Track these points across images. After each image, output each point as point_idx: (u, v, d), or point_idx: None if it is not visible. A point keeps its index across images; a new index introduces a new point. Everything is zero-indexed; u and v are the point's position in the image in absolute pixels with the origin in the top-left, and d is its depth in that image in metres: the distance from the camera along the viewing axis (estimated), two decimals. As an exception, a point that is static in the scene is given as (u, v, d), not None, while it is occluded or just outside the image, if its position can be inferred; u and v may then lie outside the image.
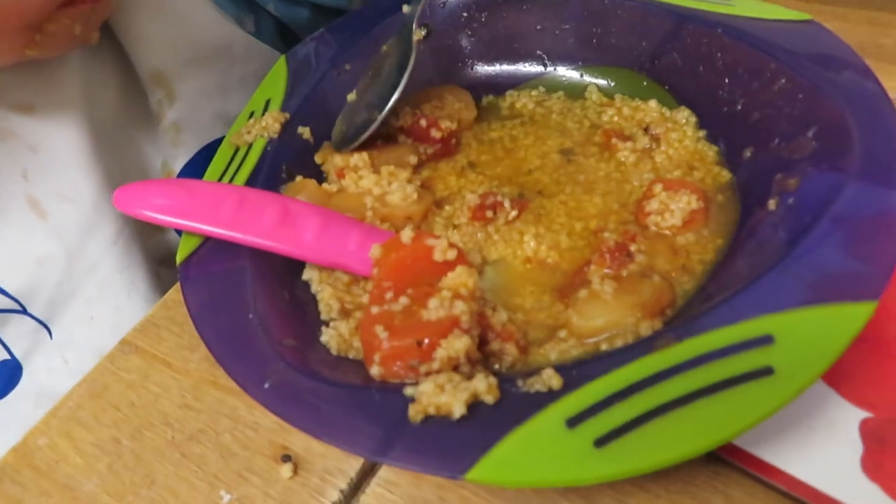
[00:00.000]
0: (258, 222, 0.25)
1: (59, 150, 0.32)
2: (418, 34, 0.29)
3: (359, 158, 0.28)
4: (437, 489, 0.23)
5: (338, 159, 0.29)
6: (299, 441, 0.25)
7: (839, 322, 0.19)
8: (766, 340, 0.19)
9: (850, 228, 0.21)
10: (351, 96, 0.31)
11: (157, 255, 0.37)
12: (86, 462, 0.26)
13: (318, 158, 0.30)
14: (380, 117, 0.28)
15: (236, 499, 0.24)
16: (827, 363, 0.19)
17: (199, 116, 0.37)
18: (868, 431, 0.21)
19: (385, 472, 0.24)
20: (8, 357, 0.35)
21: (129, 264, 0.35)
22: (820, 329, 0.19)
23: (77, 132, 0.32)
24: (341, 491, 0.24)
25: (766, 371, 0.19)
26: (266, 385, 0.21)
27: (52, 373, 0.35)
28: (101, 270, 0.34)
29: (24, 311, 0.34)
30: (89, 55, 0.33)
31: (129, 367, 0.29)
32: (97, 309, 0.35)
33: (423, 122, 0.30)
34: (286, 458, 0.25)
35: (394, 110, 0.29)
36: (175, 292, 0.32)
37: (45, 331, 0.35)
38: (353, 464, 0.24)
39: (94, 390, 0.28)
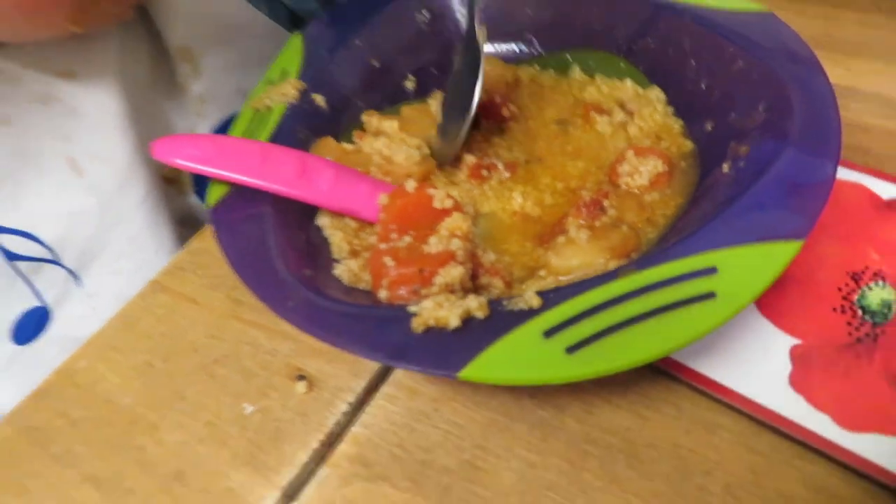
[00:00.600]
0: (279, 172, 0.29)
1: (97, 114, 0.36)
2: (482, 33, 0.32)
3: (388, 125, 0.32)
4: (431, 402, 0.27)
5: (369, 120, 0.33)
6: (312, 364, 0.29)
7: (772, 256, 0.23)
8: (710, 271, 0.23)
9: (786, 185, 0.25)
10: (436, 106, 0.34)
11: (179, 215, 0.41)
12: (122, 381, 0.30)
13: (364, 117, 0.34)
14: (468, 116, 0.31)
15: (258, 410, 0.28)
16: (760, 289, 0.23)
17: (222, 89, 0.40)
18: (796, 355, 0.25)
19: (386, 388, 0.28)
20: (38, 304, 0.38)
21: (155, 222, 0.38)
22: (756, 262, 0.23)
23: (113, 98, 0.36)
24: (349, 403, 0.27)
25: (710, 295, 0.23)
26: (289, 304, 0.25)
27: (79, 320, 0.39)
28: (130, 226, 0.38)
29: (55, 261, 0.38)
30: (124, 29, 0.36)
31: (158, 303, 0.33)
32: (125, 262, 0.38)
33: (498, 99, 0.34)
34: (301, 378, 0.28)
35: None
36: (197, 240, 0.35)
37: (74, 280, 0.39)
38: (360, 382, 0.28)
39: (127, 322, 0.32)
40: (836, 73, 0.36)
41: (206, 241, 0.35)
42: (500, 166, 0.32)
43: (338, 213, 0.30)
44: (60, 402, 0.29)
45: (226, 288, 0.32)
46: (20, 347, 0.38)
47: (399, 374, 0.28)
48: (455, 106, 0.32)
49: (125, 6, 0.33)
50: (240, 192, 0.30)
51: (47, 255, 0.37)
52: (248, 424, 0.27)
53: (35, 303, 0.38)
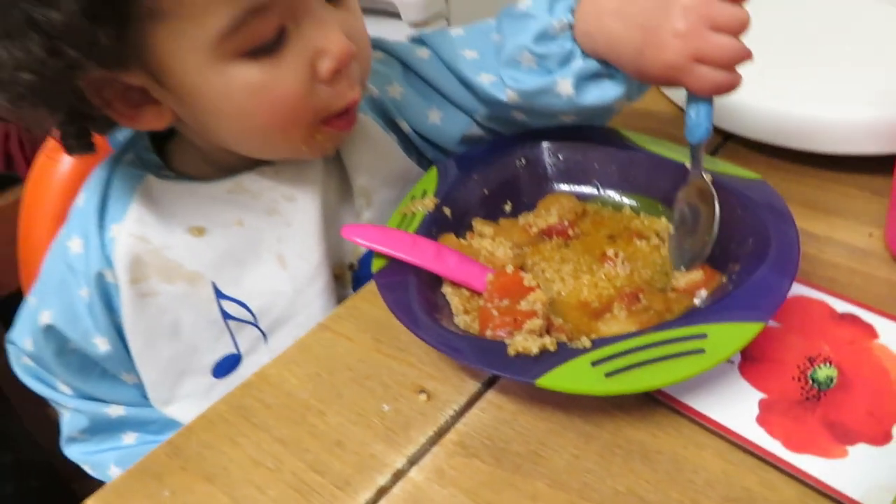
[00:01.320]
0: (422, 253, 0.44)
1: (302, 225, 0.50)
2: (708, 179, 0.45)
3: (489, 231, 0.48)
4: (510, 413, 0.40)
5: (478, 226, 0.48)
6: (430, 383, 0.42)
7: (743, 331, 0.36)
8: (702, 336, 0.36)
9: (760, 289, 0.39)
10: (671, 233, 0.47)
11: (340, 301, 0.54)
12: (300, 382, 0.44)
13: (476, 224, 0.49)
14: (714, 228, 0.43)
15: (392, 409, 0.41)
16: (733, 350, 0.35)
17: (383, 218, 0.54)
18: (763, 404, 0.37)
19: (481, 402, 0.41)
20: (235, 352, 0.52)
21: (327, 304, 0.52)
22: (733, 333, 0.36)
23: (314, 216, 0.51)
24: (455, 410, 0.40)
25: (700, 350, 0.36)
26: (427, 333, 0.39)
27: (259, 365, 0.52)
28: (311, 307, 0.51)
29: (255, 324, 0.52)
30: (326, 172, 0.52)
31: (324, 337, 0.47)
32: (302, 330, 0.49)
33: (566, 223, 0.49)
34: (422, 392, 0.42)
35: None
36: (352, 300, 0.50)
37: (263, 339, 0.53)
38: (462, 397, 0.41)
39: (303, 348, 0.46)
40: (819, 226, 0.50)
41: (357, 300, 0.49)
42: (567, 266, 0.46)
43: (457, 284, 0.44)
44: (258, 392, 0.44)
45: (371, 331, 0.46)
46: (216, 380, 0.52)
47: (490, 395, 0.41)
48: (687, 229, 0.45)
49: (334, 143, 0.49)
50: (393, 265, 0.45)
51: (250, 319, 0.52)
52: (386, 417, 0.41)
53: (233, 350, 0.52)
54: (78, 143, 0.47)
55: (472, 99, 0.53)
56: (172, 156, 0.53)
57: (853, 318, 0.42)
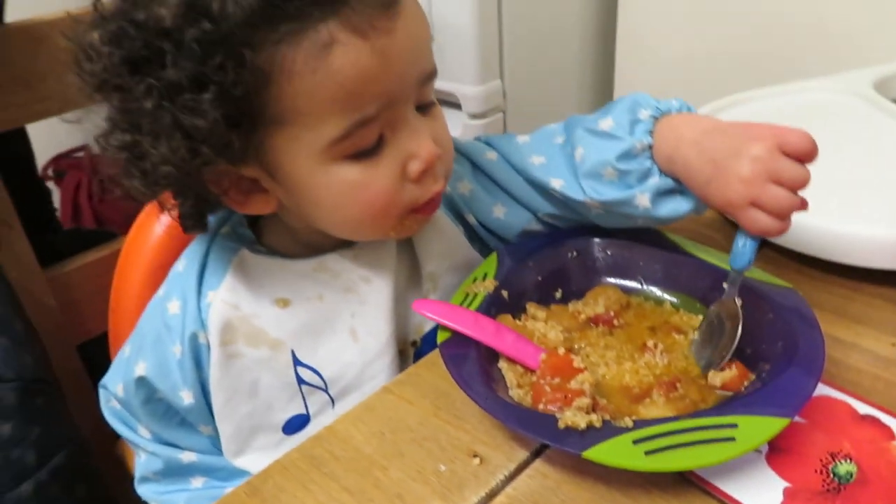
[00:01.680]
0: (483, 330, 0.49)
1: (375, 303, 0.56)
2: (738, 303, 0.49)
3: (542, 314, 0.53)
4: (554, 482, 0.44)
5: (532, 310, 0.54)
6: (482, 449, 0.47)
7: (770, 424, 0.40)
8: (733, 426, 0.41)
9: (786, 388, 0.43)
10: (694, 337, 0.52)
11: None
12: (365, 439, 0.49)
13: (529, 307, 0.55)
14: (732, 347, 0.48)
15: (448, 469, 0.46)
16: (761, 442, 0.40)
17: (447, 300, 0.58)
18: (787, 492, 0.41)
19: (528, 471, 0.45)
20: (304, 413, 0.57)
21: (392, 377, 0.56)
22: (760, 426, 0.41)
23: (386, 295, 0.56)
24: (505, 475, 0.45)
25: (731, 439, 0.40)
26: (486, 401, 0.44)
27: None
28: (377, 378, 0.56)
29: (325, 390, 0.57)
30: (399, 251, 0.58)
31: (388, 400, 0.52)
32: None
33: (612, 313, 0.54)
34: (475, 456, 0.46)
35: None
36: (414, 367, 0.55)
37: (331, 404, 0.58)
38: (511, 464, 0.45)
39: (368, 408, 0.51)
40: (845, 332, 0.55)
41: (419, 368, 0.55)
42: (611, 353, 0.51)
43: (512, 360, 0.50)
44: (328, 444, 0.49)
45: (431, 398, 0.52)
46: (285, 436, 0.57)
47: (537, 464, 0.46)
48: (709, 338, 0.50)
49: (423, 221, 0.55)
50: (456, 338, 0.50)
51: (321, 386, 0.57)
52: (442, 476, 0.45)
53: (303, 411, 0.57)
54: (194, 223, 0.55)
55: (537, 198, 0.59)
56: (264, 232, 0.60)
57: (874, 420, 0.46)
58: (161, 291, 0.59)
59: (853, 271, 0.60)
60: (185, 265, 0.59)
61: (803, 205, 0.47)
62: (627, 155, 0.53)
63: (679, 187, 0.53)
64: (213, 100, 0.42)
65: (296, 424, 0.57)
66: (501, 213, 0.61)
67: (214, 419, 0.57)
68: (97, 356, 0.76)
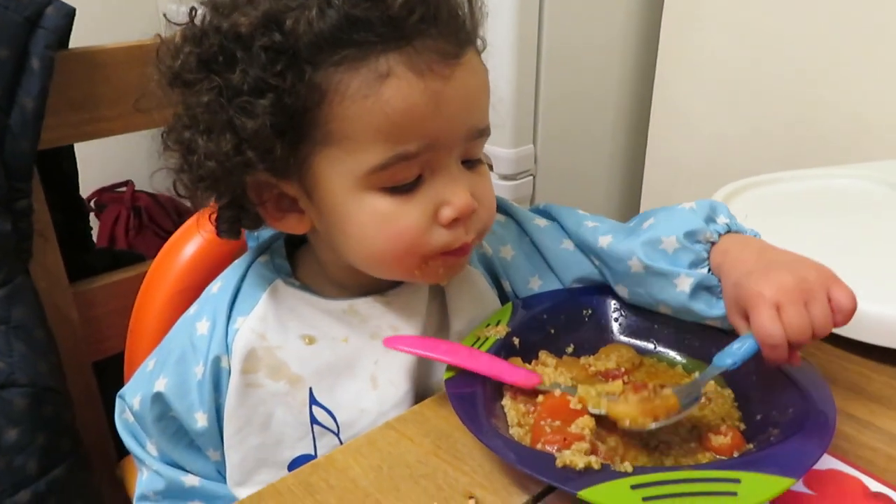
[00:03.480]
0: (461, 356, 0.49)
1: (399, 354, 0.55)
2: (705, 386, 0.49)
3: (552, 362, 0.53)
4: (551, 530, 0.43)
5: (543, 356, 0.54)
6: (479, 491, 0.46)
7: (773, 483, 0.39)
8: (736, 481, 0.40)
9: (793, 451, 0.42)
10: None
11: None
12: (362, 471, 0.48)
13: (541, 354, 0.55)
14: (697, 403, 0.47)
15: (443, 507, 0.45)
16: (763, 499, 0.39)
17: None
18: (789, 560, 0.40)
19: (525, 513, 0.44)
20: (312, 453, 0.56)
21: None
22: (763, 484, 0.39)
23: None
24: (499, 518, 0.44)
25: (733, 493, 0.39)
26: (487, 437, 0.44)
27: None
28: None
29: (336, 434, 0.56)
30: (430, 304, 0.58)
31: (389, 435, 0.52)
32: None
33: (623, 370, 0.54)
34: (471, 497, 0.46)
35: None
36: (419, 407, 0.55)
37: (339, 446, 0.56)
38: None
39: (369, 441, 0.51)
40: (860, 410, 0.53)
41: (423, 407, 0.54)
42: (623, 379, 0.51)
43: (514, 398, 0.49)
44: (324, 473, 0.48)
45: (432, 436, 0.51)
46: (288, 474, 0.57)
47: (533, 509, 0.45)
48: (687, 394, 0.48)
49: (456, 269, 0.55)
50: (461, 376, 0.50)
51: (334, 429, 0.56)
52: (436, 514, 0.45)
53: (310, 452, 0.56)
54: (228, 228, 0.56)
55: (577, 262, 0.60)
56: (298, 266, 0.60)
57: (886, 499, 0.44)
58: (192, 310, 0.60)
59: (873, 350, 0.59)
60: (220, 287, 0.60)
61: (795, 358, 0.46)
62: (694, 235, 0.53)
63: (720, 290, 0.52)
64: (268, 106, 0.45)
65: (301, 463, 0.57)
66: (536, 286, 0.62)
67: (224, 446, 0.57)
68: (111, 375, 0.77)
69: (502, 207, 0.64)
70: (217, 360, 0.56)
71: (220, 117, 0.47)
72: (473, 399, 0.48)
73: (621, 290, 0.58)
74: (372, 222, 0.50)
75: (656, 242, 0.54)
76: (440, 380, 0.59)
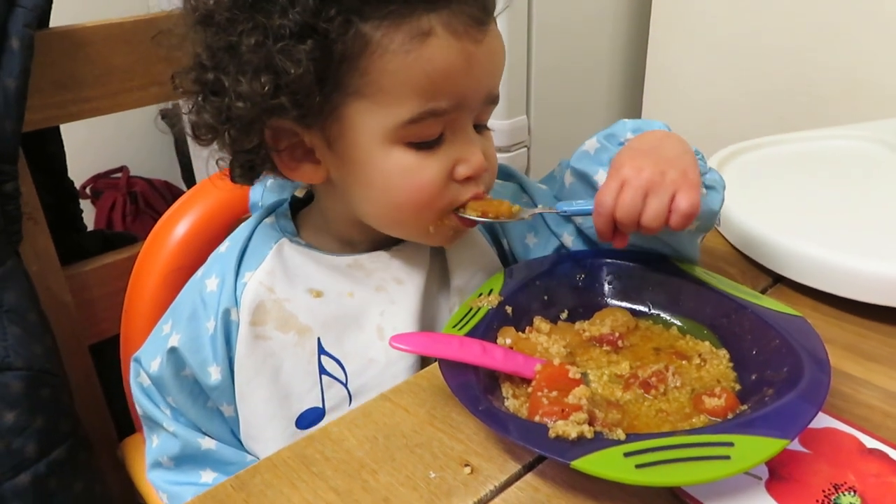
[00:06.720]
0: (469, 353, 0.49)
1: (404, 304, 0.57)
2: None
3: (546, 328, 0.53)
4: (545, 496, 0.43)
5: (537, 323, 0.53)
6: (474, 459, 0.46)
7: (767, 446, 0.39)
8: (730, 444, 0.40)
9: (787, 412, 0.42)
10: None
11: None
12: (358, 442, 0.48)
13: (536, 321, 0.55)
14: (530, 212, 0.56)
15: (438, 476, 0.45)
16: (756, 462, 0.39)
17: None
18: (784, 519, 0.40)
19: (519, 483, 0.44)
20: (320, 406, 0.57)
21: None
22: (757, 446, 0.39)
23: (415, 299, 0.57)
24: (495, 486, 0.44)
25: (726, 457, 0.39)
26: (480, 409, 0.43)
27: None
28: (397, 379, 0.55)
29: (345, 384, 0.57)
30: (432, 259, 0.60)
31: (385, 406, 0.52)
32: None
33: (618, 335, 0.54)
34: (467, 465, 0.46)
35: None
36: (413, 378, 0.55)
37: (348, 400, 0.57)
38: (503, 476, 0.45)
39: (365, 412, 0.51)
40: (856, 368, 0.53)
41: (418, 378, 0.54)
42: (620, 343, 0.51)
43: (508, 373, 0.49)
44: (320, 445, 0.48)
45: (427, 406, 0.51)
46: (297, 430, 0.57)
47: (528, 477, 0.45)
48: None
49: (463, 234, 0.57)
50: (451, 364, 0.50)
51: (343, 379, 0.57)
52: (432, 483, 0.45)
53: (318, 405, 0.57)
54: (242, 174, 0.57)
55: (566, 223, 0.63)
56: (302, 227, 0.62)
57: (881, 454, 0.44)
58: (200, 272, 0.61)
59: (868, 309, 0.59)
60: (227, 246, 0.61)
61: (617, 239, 0.53)
62: (613, 137, 0.59)
63: None
64: (310, 51, 0.46)
65: (310, 418, 0.57)
66: (532, 242, 0.64)
67: (236, 399, 0.57)
68: (108, 357, 0.77)
69: (505, 170, 0.67)
70: (227, 313, 0.56)
71: (259, 55, 0.47)
72: (468, 371, 0.48)
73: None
74: (396, 175, 0.52)
75: (582, 149, 0.60)
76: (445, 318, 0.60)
